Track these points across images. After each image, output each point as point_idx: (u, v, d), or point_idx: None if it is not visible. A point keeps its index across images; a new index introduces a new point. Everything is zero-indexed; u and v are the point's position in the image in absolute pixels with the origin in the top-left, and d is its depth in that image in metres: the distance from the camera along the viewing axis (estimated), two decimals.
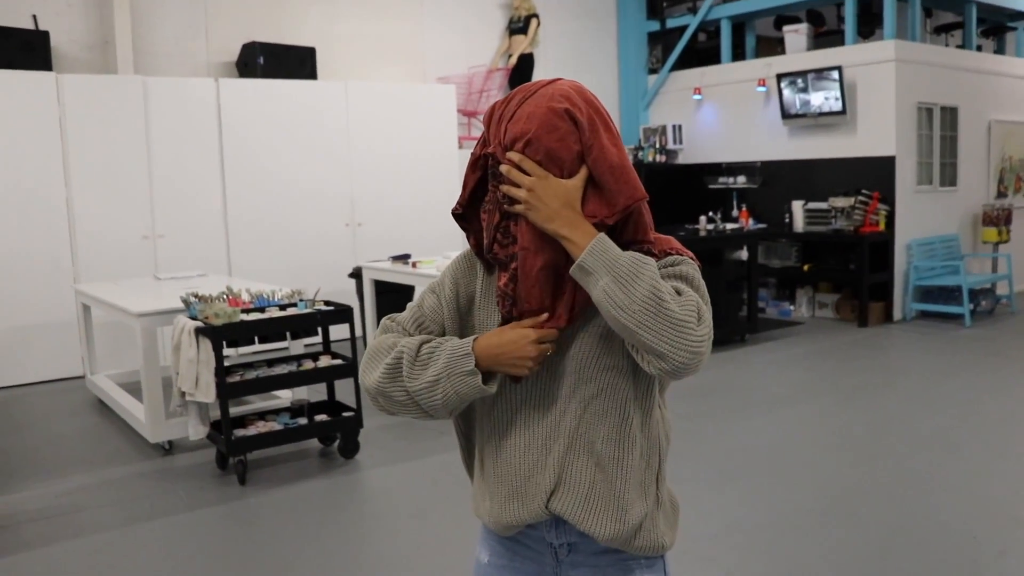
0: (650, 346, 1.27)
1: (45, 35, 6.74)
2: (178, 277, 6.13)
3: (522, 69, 9.54)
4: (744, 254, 7.43)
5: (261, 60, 7.56)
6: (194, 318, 4.40)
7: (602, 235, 1.32)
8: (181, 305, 4.59)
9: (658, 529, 1.50)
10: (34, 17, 6.86)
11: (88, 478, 4.52)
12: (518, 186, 1.35)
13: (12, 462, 4.83)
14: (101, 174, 6.79)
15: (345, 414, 4.72)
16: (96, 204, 6.79)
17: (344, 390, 5.04)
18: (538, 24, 9.56)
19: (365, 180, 8.00)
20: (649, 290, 1.26)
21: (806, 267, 8.50)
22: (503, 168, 1.37)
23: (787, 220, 8.87)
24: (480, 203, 1.47)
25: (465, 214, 1.49)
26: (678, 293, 1.31)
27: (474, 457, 1.60)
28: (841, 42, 8.83)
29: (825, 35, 9.92)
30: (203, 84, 7.25)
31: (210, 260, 7.20)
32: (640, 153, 10.09)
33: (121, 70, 7.19)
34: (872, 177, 8.30)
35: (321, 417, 4.70)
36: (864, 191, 8.20)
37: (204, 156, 7.23)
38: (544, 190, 1.34)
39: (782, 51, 9.37)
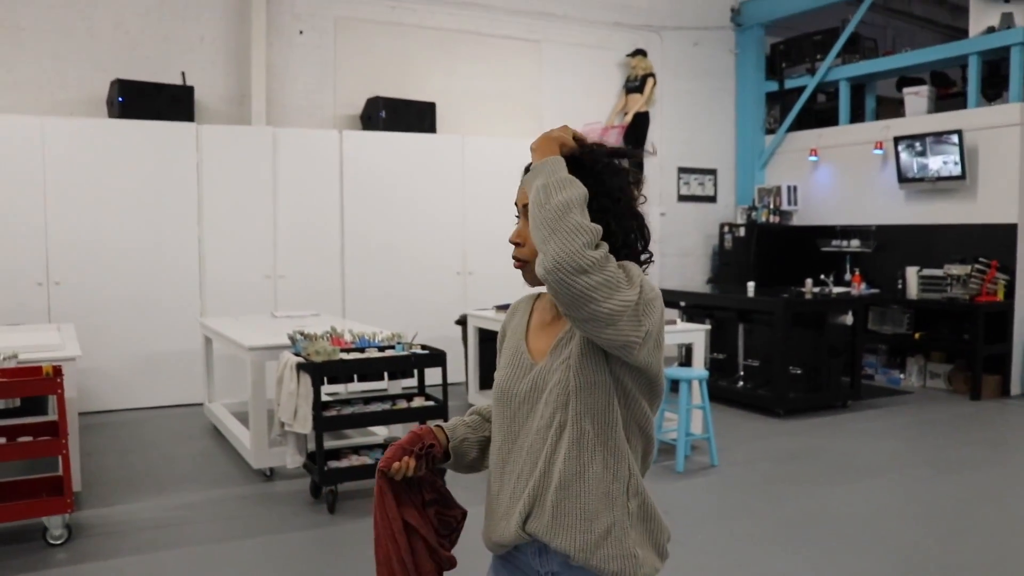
0: (541, 243, 1.46)
1: (190, 90, 7.42)
2: (293, 316, 6.53)
3: (638, 127, 9.72)
4: (849, 319, 7.30)
5: (383, 114, 8.03)
6: (298, 354, 4.74)
7: (559, 157, 1.56)
8: (288, 341, 4.95)
9: (629, 539, 1.57)
10: (183, 74, 7.55)
11: (196, 496, 4.92)
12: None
13: (135, 476, 5.30)
14: (230, 217, 7.37)
15: None
16: (224, 244, 7.36)
17: None
18: (654, 83, 9.75)
19: (478, 231, 8.30)
20: (566, 199, 1.47)
21: (917, 335, 8.26)
22: None
23: (900, 286, 8.66)
24: None
25: None
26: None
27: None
28: (964, 105, 8.63)
29: (952, 97, 9.69)
30: (328, 135, 7.77)
31: (326, 301, 7.64)
32: (753, 213, 10.07)
33: (255, 121, 7.82)
34: (991, 245, 8.04)
35: None
36: (982, 259, 7.94)
37: (325, 202, 7.73)
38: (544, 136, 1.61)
39: (904, 112, 9.22)
